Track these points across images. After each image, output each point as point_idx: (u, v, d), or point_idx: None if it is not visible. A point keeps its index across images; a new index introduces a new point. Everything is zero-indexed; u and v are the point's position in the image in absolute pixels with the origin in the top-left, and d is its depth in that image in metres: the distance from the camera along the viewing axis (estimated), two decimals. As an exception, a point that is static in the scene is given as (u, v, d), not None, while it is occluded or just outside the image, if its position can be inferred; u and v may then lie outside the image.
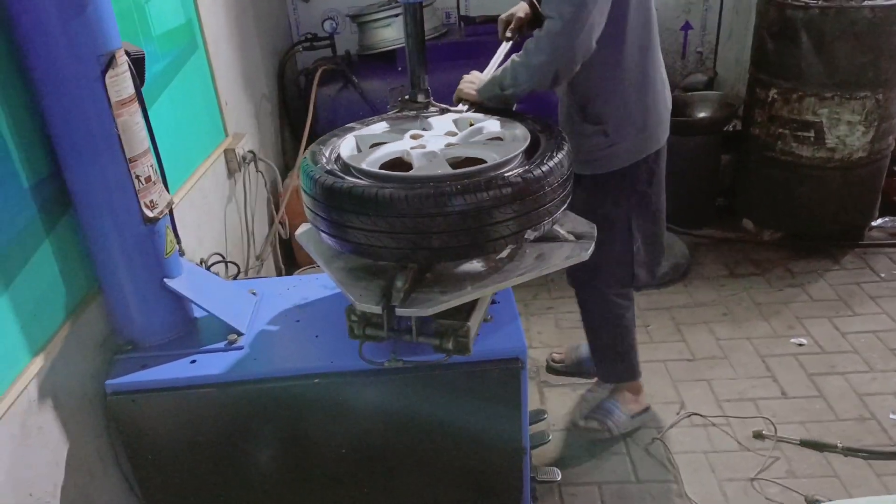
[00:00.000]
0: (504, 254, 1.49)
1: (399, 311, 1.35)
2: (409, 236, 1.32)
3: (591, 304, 2.25)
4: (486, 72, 1.89)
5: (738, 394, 2.48)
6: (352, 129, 1.66)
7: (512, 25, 2.01)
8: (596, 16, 1.66)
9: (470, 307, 1.45)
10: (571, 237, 1.55)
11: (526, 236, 1.38)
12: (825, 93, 2.98)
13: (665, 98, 2.01)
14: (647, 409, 2.37)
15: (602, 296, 2.19)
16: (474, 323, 1.46)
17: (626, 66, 1.88)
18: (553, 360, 2.67)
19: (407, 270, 1.40)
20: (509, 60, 1.76)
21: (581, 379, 2.59)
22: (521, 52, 1.74)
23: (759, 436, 2.29)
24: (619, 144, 1.94)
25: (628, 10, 1.82)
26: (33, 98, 1.36)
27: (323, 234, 1.47)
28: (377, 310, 1.36)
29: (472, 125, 1.65)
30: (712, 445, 2.27)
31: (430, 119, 1.69)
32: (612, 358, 2.32)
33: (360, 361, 1.48)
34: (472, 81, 1.84)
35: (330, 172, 1.43)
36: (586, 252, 1.50)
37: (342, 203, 1.35)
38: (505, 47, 1.98)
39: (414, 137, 1.58)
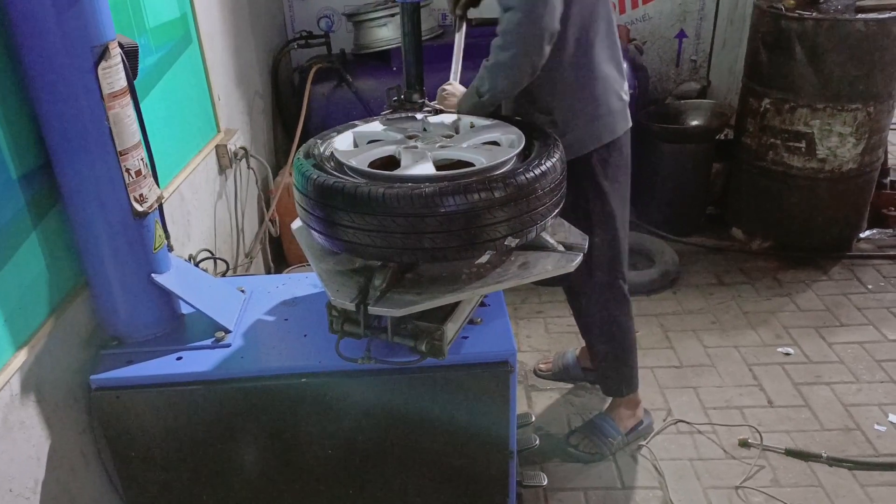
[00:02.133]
0: (484, 259, 1.48)
1: (372, 310, 1.35)
2: (389, 234, 1.32)
3: (588, 313, 2.18)
4: (452, 71, 1.93)
5: (724, 402, 2.49)
6: (353, 126, 1.66)
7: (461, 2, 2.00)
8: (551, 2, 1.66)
9: (448, 311, 1.45)
10: (560, 247, 1.53)
11: (506, 243, 1.37)
12: (817, 104, 3.00)
13: (619, 90, 1.98)
14: (641, 422, 2.33)
15: (600, 305, 2.12)
16: (451, 327, 1.46)
17: (566, 59, 1.85)
18: (540, 371, 2.64)
19: (386, 270, 1.40)
20: (481, 66, 1.75)
21: (569, 384, 2.59)
22: (490, 55, 1.72)
23: (744, 444, 2.30)
24: (568, 134, 1.90)
25: (569, 6, 1.80)
26: (24, 88, 1.34)
27: (311, 230, 1.46)
28: (351, 306, 1.36)
29: (472, 126, 1.65)
30: (698, 453, 2.28)
31: (430, 119, 1.69)
32: (615, 368, 2.24)
33: (349, 361, 1.47)
34: (453, 94, 1.85)
35: (317, 167, 1.43)
36: (572, 264, 1.47)
37: (325, 199, 1.35)
38: (461, 38, 1.99)
39: (410, 137, 1.58)
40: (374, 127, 1.66)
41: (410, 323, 1.44)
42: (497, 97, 1.76)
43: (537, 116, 1.93)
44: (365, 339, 1.45)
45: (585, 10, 1.85)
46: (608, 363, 2.24)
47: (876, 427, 2.35)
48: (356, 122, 1.71)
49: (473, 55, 3.20)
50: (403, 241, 1.33)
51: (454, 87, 1.91)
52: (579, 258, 1.49)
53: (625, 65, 2.02)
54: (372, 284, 1.38)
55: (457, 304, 1.47)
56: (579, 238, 1.56)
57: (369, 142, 1.59)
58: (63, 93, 1.32)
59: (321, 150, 1.53)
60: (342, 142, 1.58)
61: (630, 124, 2.02)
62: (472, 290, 1.41)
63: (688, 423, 2.39)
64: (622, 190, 2.04)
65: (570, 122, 1.91)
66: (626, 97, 2.01)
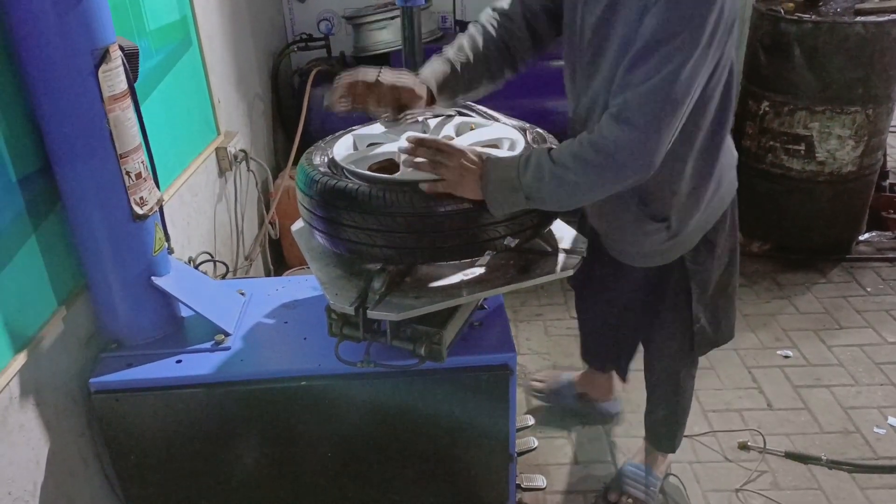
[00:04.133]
0: (484, 261, 1.48)
1: (371, 314, 1.36)
2: (385, 235, 1.33)
3: (658, 379, 2.01)
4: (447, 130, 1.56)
5: (724, 405, 2.49)
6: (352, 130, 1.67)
7: (354, 94, 1.46)
8: (676, 125, 1.30)
9: (447, 315, 1.45)
10: (560, 251, 1.52)
11: (506, 243, 1.37)
12: (816, 107, 3.00)
13: (731, 156, 1.67)
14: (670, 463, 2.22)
15: (671, 372, 1.95)
16: (450, 331, 1.46)
17: (695, 147, 1.50)
18: (533, 387, 2.47)
19: (385, 273, 1.40)
20: (545, 162, 1.32)
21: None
22: (569, 159, 1.31)
23: (744, 447, 2.30)
24: (680, 234, 1.62)
25: (712, 97, 1.42)
26: (24, 90, 1.34)
27: (314, 231, 1.48)
28: (350, 310, 1.37)
29: (472, 129, 1.65)
30: (697, 456, 2.28)
31: (430, 122, 1.69)
32: (671, 428, 2.08)
33: (348, 365, 1.47)
34: (469, 164, 1.33)
35: (317, 168, 1.44)
36: (571, 268, 1.47)
37: (326, 199, 1.37)
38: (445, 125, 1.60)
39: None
40: (375, 129, 1.67)
41: (409, 327, 1.44)
42: (547, 208, 1.41)
43: (648, 225, 1.60)
44: (364, 343, 1.45)
45: (727, 66, 1.46)
46: (665, 425, 2.08)
47: (875, 430, 2.35)
48: (355, 126, 1.71)
49: None
50: (404, 241, 1.34)
51: (475, 149, 1.40)
52: (578, 261, 1.49)
53: None
54: (371, 288, 1.38)
55: (456, 307, 1.47)
56: (578, 242, 1.55)
57: (369, 144, 1.59)
58: (63, 95, 1.32)
59: (323, 154, 1.54)
60: (342, 146, 1.58)
61: (736, 185, 1.71)
62: (472, 294, 1.41)
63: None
64: (729, 264, 1.78)
65: (686, 220, 1.60)
66: (735, 159, 1.70)
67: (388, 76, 1.46)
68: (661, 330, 1.86)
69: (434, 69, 1.52)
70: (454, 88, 1.53)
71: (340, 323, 1.45)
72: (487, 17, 1.62)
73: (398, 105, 1.47)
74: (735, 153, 1.69)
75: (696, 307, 1.75)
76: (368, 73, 1.45)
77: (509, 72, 1.61)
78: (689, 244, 1.66)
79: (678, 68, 1.23)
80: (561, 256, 1.51)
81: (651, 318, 1.87)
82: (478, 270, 1.48)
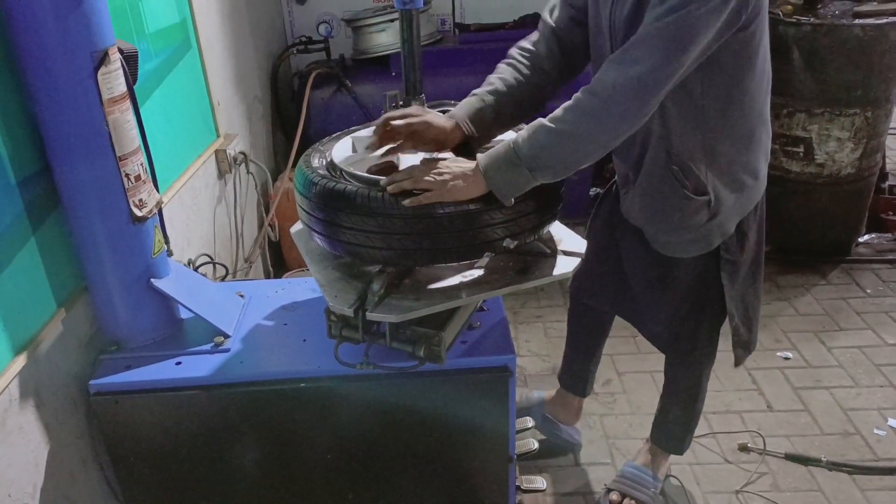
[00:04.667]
0: (483, 262, 1.48)
1: (370, 315, 1.36)
2: (384, 237, 1.33)
3: (680, 379, 2.01)
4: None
5: (724, 406, 2.48)
6: (351, 132, 1.68)
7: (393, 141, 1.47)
8: (677, 71, 1.31)
9: (446, 316, 1.45)
10: (559, 252, 1.52)
11: (505, 244, 1.37)
12: (815, 109, 3.00)
13: (767, 150, 1.66)
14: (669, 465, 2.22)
15: (695, 373, 1.96)
16: (449, 332, 1.46)
17: (745, 110, 1.52)
18: None
19: (384, 275, 1.40)
20: (537, 125, 1.33)
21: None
22: (563, 113, 1.33)
23: (744, 449, 2.30)
24: (720, 214, 1.61)
25: (761, 33, 1.43)
26: (24, 93, 1.34)
27: (312, 233, 1.48)
28: (349, 312, 1.37)
29: None
30: (697, 458, 2.28)
31: None
32: (682, 430, 2.08)
33: (347, 366, 1.48)
34: (452, 171, 1.32)
35: (315, 170, 1.45)
36: (569, 270, 1.46)
37: (324, 201, 1.37)
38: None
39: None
40: (366, 133, 1.68)
41: (408, 328, 1.44)
42: (561, 174, 1.36)
43: (692, 201, 1.57)
44: (364, 344, 1.45)
45: (765, 35, 1.47)
46: (678, 425, 2.07)
47: (875, 431, 2.34)
48: (353, 128, 1.71)
49: (469, 62, 3.15)
50: (402, 243, 1.34)
51: (451, 160, 1.41)
52: (578, 263, 1.49)
53: None
54: (370, 290, 1.38)
55: (455, 309, 1.47)
56: (578, 245, 1.55)
57: (367, 146, 1.60)
58: (63, 98, 1.32)
59: (322, 156, 1.54)
60: (340, 148, 1.59)
61: (766, 183, 1.70)
62: (471, 295, 1.41)
63: (687, 427, 2.39)
64: (758, 260, 1.78)
65: (721, 202, 1.59)
66: (769, 151, 1.69)
67: (418, 122, 1.45)
68: (692, 323, 1.84)
69: (467, 105, 1.54)
70: (490, 121, 1.53)
71: (340, 325, 1.45)
72: (515, 52, 1.67)
73: (436, 146, 1.47)
74: (769, 150, 1.69)
75: (730, 304, 1.74)
76: (399, 123, 1.45)
77: (540, 104, 1.62)
78: (727, 229, 1.65)
79: (687, 15, 1.26)
80: (560, 258, 1.50)
81: (682, 311, 1.83)
82: (477, 272, 1.48)
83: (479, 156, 1.36)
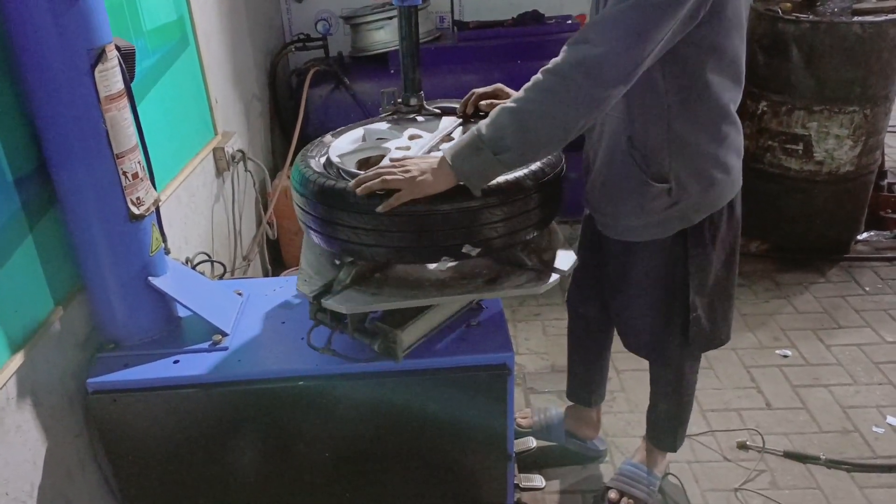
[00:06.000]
0: (442, 266, 1.47)
1: (324, 303, 1.39)
2: (374, 234, 1.34)
3: (661, 375, 2.00)
4: (418, 146, 1.52)
5: (722, 404, 2.48)
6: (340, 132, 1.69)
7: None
8: (638, 54, 1.31)
9: (411, 315, 1.46)
10: (538, 265, 1.48)
11: (464, 250, 1.35)
12: (814, 106, 3.00)
13: (740, 142, 1.67)
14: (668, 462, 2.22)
15: (674, 369, 1.94)
16: (411, 333, 1.47)
17: (712, 98, 1.53)
18: (518, 426, 2.29)
19: (353, 266, 1.42)
20: (499, 108, 1.33)
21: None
22: (523, 92, 1.33)
23: (742, 447, 2.30)
24: (681, 203, 1.62)
25: (725, 32, 1.46)
26: (20, 90, 1.34)
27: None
28: (310, 297, 1.41)
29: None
30: (696, 456, 2.28)
31: (441, 122, 1.68)
32: (673, 426, 2.07)
33: (345, 364, 1.49)
34: (414, 166, 1.32)
35: (310, 166, 1.47)
36: (543, 285, 1.42)
37: (313, 196, 1.40)
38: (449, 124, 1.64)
39: (412, 138, 1.58)
40: (382, 126, 1.69)
41: (373, 322, 1.46)
42: (526, 158, 1.33)
43: (651, 187, 1.60)
44: (349, 335, 1.47)
45: (740, 22, 1.49)
46: (667, 421, 2.06)
47: (874, 429, 2.35)
48: (351, 124, 1.72)
49: (468, 59, 3.13)
50: (391, 240, 1.34)
51: (417, 157, 1.42)
52: (552, 280, 1.43)
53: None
54: (337, 278, 1.41)
55: (422, 310, 1.47)
56: (566, 262, 1.49)
57: (377, 139, 1.63)
58: (60, 95, 1.32)
59: (321, 147, 1.56)
60: (348, 138, 1.62)
61: (741, 182, 1.71)
62: (429, 297, 1.42)
63: (686, 425, 2.39)
64: (729, 256, 1.78)
65: (685, 190, 1.61)
66: (742, 149, 1.69)
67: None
68: (661, 318, 1.84)
69: None
70: None
71: (315, 309, 1.46)
72: None
73: None
74: (741, 149, 1.69)
75: (694, 296, 1.75)
76: (485, 103, 1.63)
77: None
78: (690, 219, 1.66)
79: (643, 3, 1.27)
80: (535, 272, 1.47)
81: (651, 305, 1.84)
82: (447, 275, 1.48)
83: (443, 146, 1.36)
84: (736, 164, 1.66)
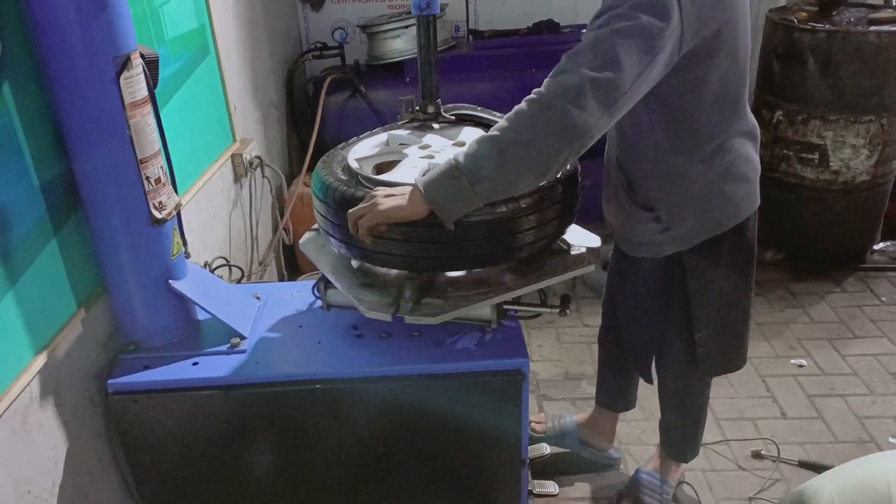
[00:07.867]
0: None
1: (408, 320, 1.41)
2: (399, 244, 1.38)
3: (668, 385, 2.00)
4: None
5: (737, 413, 2.48)
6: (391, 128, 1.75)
7: None
8: (642, 87, 1.31)
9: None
10: (582, 249, 1.57)
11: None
12: (830, 116, 2.99)
13: (749, 169, 1.63)
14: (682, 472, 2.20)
15: (680, 379, 1.94)
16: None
17: (704, 142, 1.54)
18: (532, 430, 2.28)
19: (412, 280, 1.44)
20: (480, 137, 1.30)
21: (580, 393, 2.59)
22: (504, 121, 1.29)
23: (757, 456, 2.29)
24: (673, 229, 1.63)
25: (717, 77, 1.45)
26: (47, 96, 1.37)
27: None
28: (388, 318, 1.42)
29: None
30: (710, 464, 2.27)
31: (462, 130, 1.72)
32: (685, 437, 2.06)
33: (362, 368, 1.51)
34: (384, 194, 1.32)
35: (333, 173, 1.50)
36: (590, 265, 1.51)
37: (330, 203, 1.44)
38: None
39: (424, 147, 1.61)
40: (404, 132, 1.73)
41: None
42: (502, 190, 1.29)
43: (636, 210, 1.64)
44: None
45: (736, 54, 1.49)
46: (679, 432, 2.06)
47: (890, 439, 2.33)
48: (370, 131, 1.75)
49: (483, 68, 3.11)
50: (416, 250, 1.37)
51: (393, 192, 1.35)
52: (597, 260, 1.53)
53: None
54: (402, 296, 1.45)
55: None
56: (594, 240, 1.59)
57: (399, 144, 1.68)
58: (86, 101, 1.34)
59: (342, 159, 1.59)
60: (370, 143, 1.66)
61: (758, 202, 1.69)
62: (507, 292, 1.47)
63: (700, 434, 2.39)
64: (739, 279, 1.73)
65: (678, 216, 1.62)
66: (758, 170, 1.67)
67: None
68: (666, 338, 1.86)
69: None
70: None
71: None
72: None
73: None
74: (756, 166, 1.67)
75: (697, 318, 1.74)
76: None
77: None
78: (687, 242, 1.66)
79: (606, 31, 1.27)
80: (579, 253, 1.55)
81: (659, 324, 1.87)
82: (497, 271, 1.53)
83: (416, 177, 1.34)
84: (740, 189, 1.62)
